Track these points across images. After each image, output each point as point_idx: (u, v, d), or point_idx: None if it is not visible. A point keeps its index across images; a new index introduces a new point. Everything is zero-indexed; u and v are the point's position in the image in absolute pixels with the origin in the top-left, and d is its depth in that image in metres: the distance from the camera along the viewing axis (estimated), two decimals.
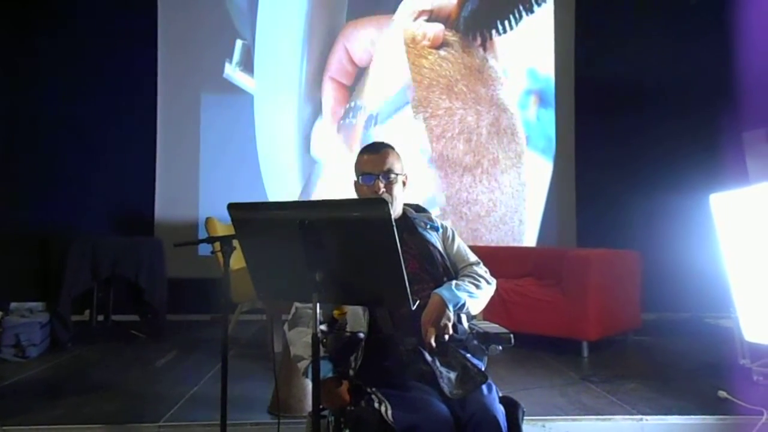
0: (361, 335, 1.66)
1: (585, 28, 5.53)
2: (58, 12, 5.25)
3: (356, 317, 1.71)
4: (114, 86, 5.23)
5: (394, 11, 5.39)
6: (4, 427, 2.33)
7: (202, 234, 4.70)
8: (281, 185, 5.35)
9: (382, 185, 1.81)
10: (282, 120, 5.35)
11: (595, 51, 5.44)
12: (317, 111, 5.34)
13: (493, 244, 5.16)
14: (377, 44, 5.28)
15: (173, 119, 5.37)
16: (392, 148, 1.90)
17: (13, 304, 3.75)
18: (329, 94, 5.31)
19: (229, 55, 5.35)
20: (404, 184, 1.89)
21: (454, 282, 1.79)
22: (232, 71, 5.34)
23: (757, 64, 4.31)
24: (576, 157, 5.54)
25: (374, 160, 1.85)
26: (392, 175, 1.83)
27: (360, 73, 5.35)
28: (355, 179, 1.90)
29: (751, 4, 4.30)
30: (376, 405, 1.57)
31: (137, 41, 5.32)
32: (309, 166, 5.33)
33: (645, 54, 5.35)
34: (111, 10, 5.25)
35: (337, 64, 5.30)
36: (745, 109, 4.38)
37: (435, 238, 1.91)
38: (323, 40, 5.33)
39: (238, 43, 5.35)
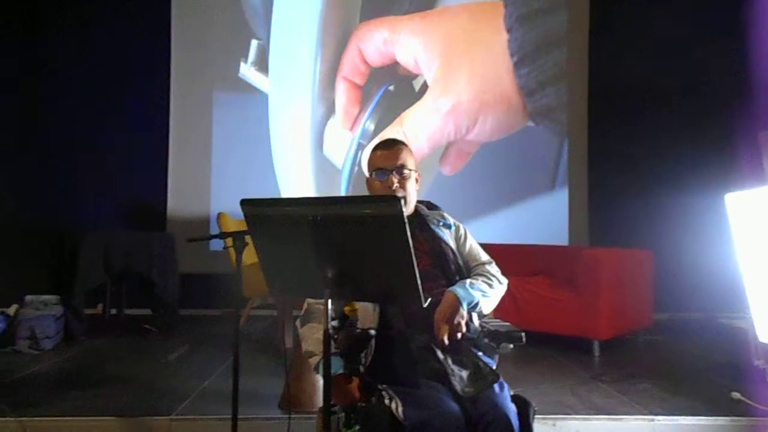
0: (372, 332, 1.67)
1: (599, 28, 5.49)
2: (71, 9, 5.30)
3: (367, 314, 1.71)
4: (127, 83, 5.26)
5: (407, 12, 5.39)
6: (20, 418, 2.36)
7: (214, 229, 4.73)
8: (294, 182, 5.37)
9: (395, 180, 1.81)
10: (295, 119, 5.37)
11: (609, 51, 5.40)
12: (330, 110, 5.35)
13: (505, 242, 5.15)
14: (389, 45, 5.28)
15: (186, 116, 5.40)
16: (405, 145, 1.90)
17: (27, 297, 3.79)
18: (342, 93, 5.32)
19: (242, 55, 5.38)
20: (417, 180, 1.89)
21: (468, 280, 1.78)
22: (247, 71, 5.37)
23: None
24: (589, 155, 5.51)
25: (387, 155, 1.85)
26: (406, 171, 1.84)
27: (373, 72, 5.35)
28: (368, 175, 1.90)
29: (766, 3, 4.24)
30: (387, 402, 1.57)
31: (150, 39, 5.36)
32: (321, 164, 5.35)
33: (660, 54, 5.30)
34: (124, 7, 5.29)
35: (350, 64, 5.30)
36: (761, 108, 4.32)
37: (447, 236, 1.91)
38: (337, 41, 5.34)
39: (254, 43, 5.38)
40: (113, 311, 4.68)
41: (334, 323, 1.61)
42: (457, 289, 1.71)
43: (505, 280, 1.89)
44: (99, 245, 4.01)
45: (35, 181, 5.15)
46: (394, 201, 1.37)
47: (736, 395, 2.69)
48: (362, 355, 1.68)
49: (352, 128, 5.33)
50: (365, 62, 5.31)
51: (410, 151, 1.89)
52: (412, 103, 5.30)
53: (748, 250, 2.86)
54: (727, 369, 3.23)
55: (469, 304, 1.70)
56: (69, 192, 5.15)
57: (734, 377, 2.98)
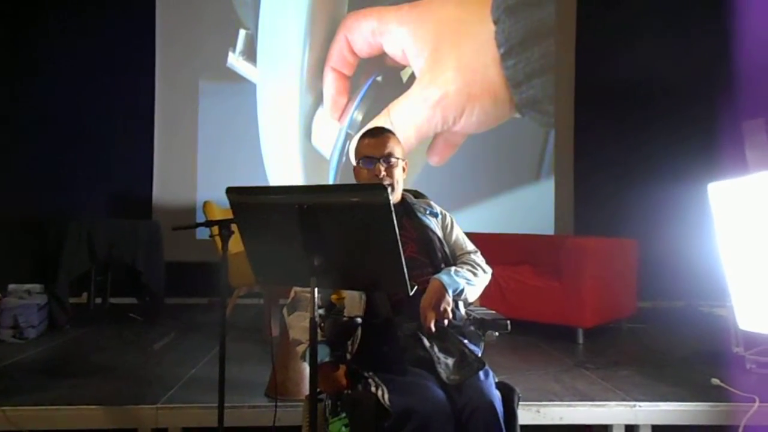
0: (359, 320, 1.67)
1: (586, 20, 5.50)
2: None
3: (354, 302, 1.72)
4: (111, 71, 5.20)
5: (395, 3, 5.36)
6: (3, 408, 2.34)
7: (201, 217, 4.69)
8: (282, 173, 5.35)
9: (382, 169, 1.82)
10: (284, 109, 5.35)
11: (596, 43, 5.42)
12: (318, 100, 5.33)
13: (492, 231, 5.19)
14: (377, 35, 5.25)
15: (171, 105, 5.36)
16: (392, 133, 1.90)
17: (11, 286, 3.74)
18: (330, 84, 5.30)
19: (229, 44, 5.34)
20: (404, 169, 1.90)
21: (453, 268, 1.80)
22: (235, 60, 5.33)
23: (756, 53, 4.30)
24: (575, 146, 5.54)
25: (375, 144, 1.85)
26: (393, 159, 1.84)
27: (361, 63, 5.33)
28: (355, 164, 1.90)
29: None
30: (373, 389, 1.58)
31: (135, 27, 5.30)
32: (310, 155, 5.33)
33: (646, 45, 5.31)
34: None
35: (338, 54, 5.28)
36: (744, 98, 4.36)
37: (434, 224, 1.92)
38: (325, 31, 5.31)
39: (242, 32, 5.34)
40: (98, 300, 4.64)
41: (321, 311, 1.62)
42: (443, 277, 1.73)
43: (489, 270, 1.90)
44: (83, 233, 3.96)
45: (19, 169, 5.07)
46: (381, 189, 1.37)
47: (715, 381, 2.74)
48: (349, 343, 1.69)
49: (340, 118, 5.32)
50: (353, 53, 5.29)
51: (397, 139, 1.90)
52: (400, 94, 5.30)
53: (730, 239, 2.91)
54: (707, 356, 3.29)
55: (454, 291, 1.71)
56: (53, 179, 5.08)
57: (714, 364, 3.03)
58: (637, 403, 2.52)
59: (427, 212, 1.94)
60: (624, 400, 2.56)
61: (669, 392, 2.66)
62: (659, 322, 4.48)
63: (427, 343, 1.66)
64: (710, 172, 3.30)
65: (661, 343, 3.81)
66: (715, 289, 3.43)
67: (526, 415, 2.41)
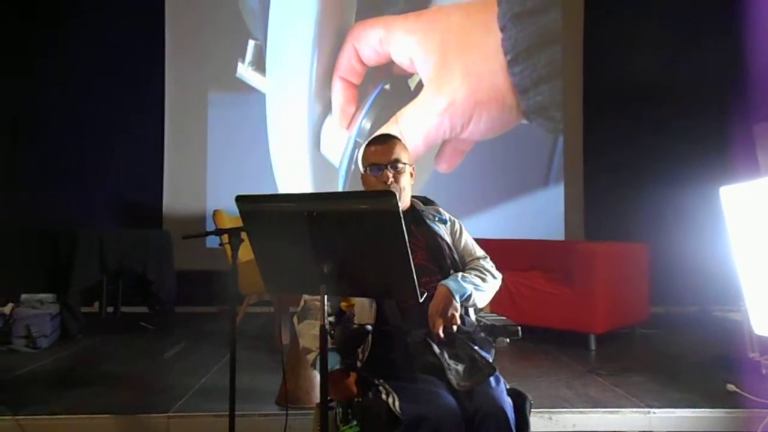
0: (369, 327, 1.67)
1: (593, 25, 5.50)
2: (66, 6, 5.27)
3: (363, 309, 1.71)
4: (121, 80, 5.25)
5: (401, 12, 5.40)
6: (17, 417, 2.36)
7: (210, 226, 4.71)
8: (292, 181, 5.38)
9: (390, 175, 1.82)
10: (293, 118, 5.39)
11: (603, 48, 5.41)
12: (327, 109, 5.37)
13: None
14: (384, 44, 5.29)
15: (181, 114, 5.42)
16: (398, 139, 1.90)
17: (23, 296, 3.78)
18: (339, 92, 5.34)
19: (238, 54, 5.40)
20: (411, 175, 1.89)
21: (460, 274, 1.79)
22: (244, 71, 5.38)
23: (767, 56, 4.27)
24: (584, 149, 5.53)
25: (381, 150, 1.85)
26: (400, 165, 1.84)
27: (368, 72, 5.36)
28: (362, 171, 1.90)
29: None
30: (384, 397, 1.57)
31: (145, 37, 5.36)
32: (319, 163, 5.35)
33: (654, 49, 5.31)
34: (120, 5, 5.27)
35: (346, 63, 5.32)
36: (755, 101, 4.34)
37: (443, 231, 1.91)
38: (333, 40, 5.36)
39: (251, 43, 5.40)
40: (110, 309, 4.68)
41: (331, 319, 1.62)
42: (449, 282, 1.72)
43: (499, 275, 1.89)
44: (95, 243, 4.00)
45: (31, 180, 5.13)
46: (391, 196, 1.37)
47: (731, 387, 2.71)
48: (359, 350, 1.68)
49: (348, 127, 5.35)
50: (361, 61, 5.33)
51: (404, 145, 1.89)
52: (408, 102, 5.32)
53: (743, 242, 2.88)
54: (722, 361, 3.25)
55: (461, 296, 1.70)
56: (64, 190, 5.13)
57: (729, 369, 3.00)
58: (651, 410, 2.50)
59: (436, 219, 1.93)
60: (638, 406, 2.54)
61: (683, 398, 2.64)
62: (672, 327, 4.44)
63: (437, 349, 1.65)
64: (722, 175, 3.28)
65: (675, 349, 3.78)
66: (728, 293, 3.39)
67: (538, 422, 2.40)
